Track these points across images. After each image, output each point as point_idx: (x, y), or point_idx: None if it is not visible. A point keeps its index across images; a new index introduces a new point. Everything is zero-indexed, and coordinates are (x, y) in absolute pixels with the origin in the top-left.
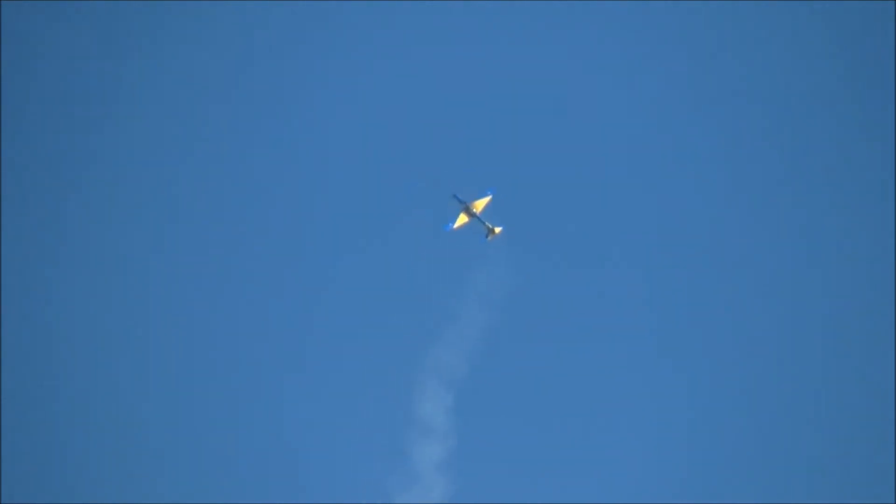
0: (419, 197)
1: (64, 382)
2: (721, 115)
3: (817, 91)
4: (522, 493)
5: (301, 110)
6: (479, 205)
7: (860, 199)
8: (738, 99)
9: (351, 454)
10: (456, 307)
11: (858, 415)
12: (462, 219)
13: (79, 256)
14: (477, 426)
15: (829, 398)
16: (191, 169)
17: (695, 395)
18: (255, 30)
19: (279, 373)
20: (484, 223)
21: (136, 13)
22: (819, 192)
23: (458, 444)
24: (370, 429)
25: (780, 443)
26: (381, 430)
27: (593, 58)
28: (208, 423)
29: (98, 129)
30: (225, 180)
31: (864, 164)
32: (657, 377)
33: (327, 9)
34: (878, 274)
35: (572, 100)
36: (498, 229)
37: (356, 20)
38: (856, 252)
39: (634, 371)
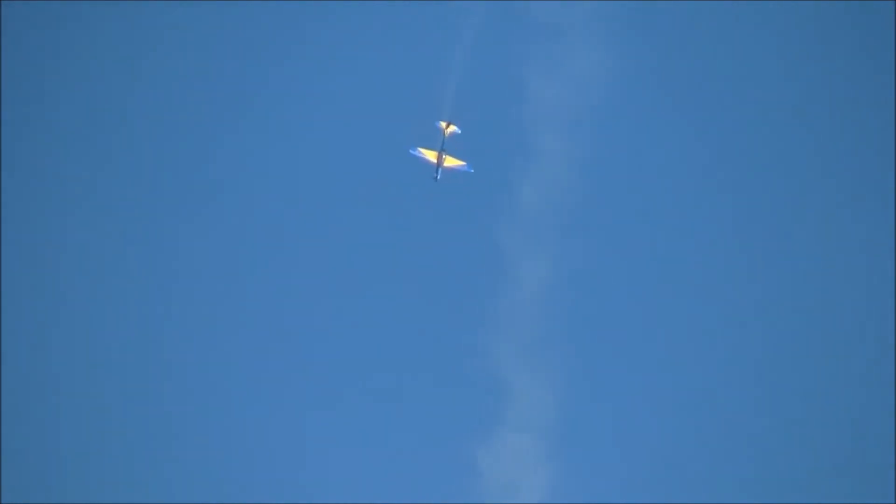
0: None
1: (64, 382)
2: (721, 116)
3: (818, 91)
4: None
5: (289, 110)
6: (431, 156)
7: (860, 199)
8: (738, 99)
9: (350, 454)
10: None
11: (858, 415)
12: (450, 160)
13: (78, 256)
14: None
15: (829, 398)
16: (189, 168)
17: (694, 396)
18: (252, 30)
19: (278, 372)
20: (441, 151)
21: (136, 13)
22: (819, 192)
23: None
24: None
25: (781, 442)
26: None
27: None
28: (208, 423)
29: (98, 129)
30: (225, 178)
31: (864, 164)
32: (654, 377)
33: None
34: (879, 274)
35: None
36: (449, 128)
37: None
38: (856, 252)
39: (631, 373)
